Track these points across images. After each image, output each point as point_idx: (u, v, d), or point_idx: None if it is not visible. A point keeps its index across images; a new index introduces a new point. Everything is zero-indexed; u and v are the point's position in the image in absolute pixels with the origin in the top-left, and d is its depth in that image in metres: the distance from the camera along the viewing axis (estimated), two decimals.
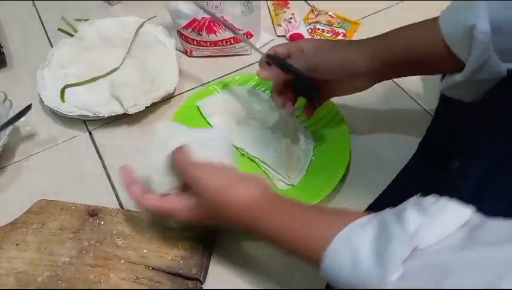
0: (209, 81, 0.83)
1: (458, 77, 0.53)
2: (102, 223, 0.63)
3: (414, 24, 0.56)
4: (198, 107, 0.76)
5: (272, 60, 0.63)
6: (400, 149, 0.69)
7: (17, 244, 0.62)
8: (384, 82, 0.78)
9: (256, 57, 0.86)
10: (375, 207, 0.62)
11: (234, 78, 0.80)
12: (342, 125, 0.70)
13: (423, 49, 0.54)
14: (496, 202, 0.43)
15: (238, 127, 0.74)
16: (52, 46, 0.91)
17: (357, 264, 0.38)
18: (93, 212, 0.64)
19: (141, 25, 0.86)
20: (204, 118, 0.76)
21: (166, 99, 0.80)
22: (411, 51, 0.55)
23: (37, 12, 1.01)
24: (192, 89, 0.83)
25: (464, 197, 0.39)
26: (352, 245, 0.39)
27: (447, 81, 0.55)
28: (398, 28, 0.57)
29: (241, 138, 0.72)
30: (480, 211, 0.37)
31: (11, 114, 0.73)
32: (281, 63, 0.61)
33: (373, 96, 0.76)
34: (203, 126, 0.75)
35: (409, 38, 0.56)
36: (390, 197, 0.61)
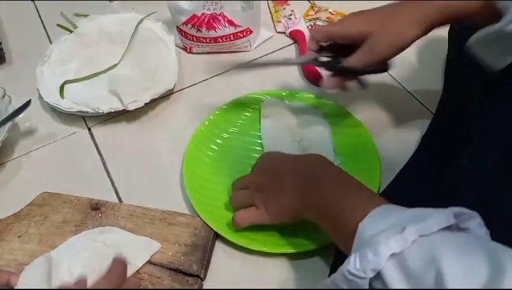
0: (209, 78, 0.83)
1: (494, 27, 0.51)
2: (104, 217, 0.63)
3: None
4: (261, 102, 0.75)
5: (331, 69, 0.64)
6: (400, 146, 0.70)
7: (19, 236, 0.62)
8: (385, 80, 0.79)
9: (256, 53, 0.86)
10: None
11: (303, 94, 0.77)
12: (374, 156, 0.67)
13: (467, 7, 0.55)
14: (505, 207, 0.44)
15: (282, 145, 0.70)
16: (51, 42, 0.91)
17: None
18: (96, 206, 0.64)
19: (140, 21, 0.85)
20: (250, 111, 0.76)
21: (166, 95, 0.80)
22: (455, 11, 0.56)
23: (36, 8, 1.01)
24: (192, 85, 0.82)
25: (469, 200, 0.40)
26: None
27: (480, 33, 0.54)
28: None
29: None
30: (488, 214, 0.38)
31: (10, 110, 0.72)
32: (347, 70, 0.62)
33: (373, 94, 0.76)
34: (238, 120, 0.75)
35: None
36: (394, 193, 0.61)
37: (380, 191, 0.63)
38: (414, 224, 0.37)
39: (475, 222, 0.39)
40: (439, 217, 0.38)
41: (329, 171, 0.55)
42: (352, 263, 0.39)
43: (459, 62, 0.70)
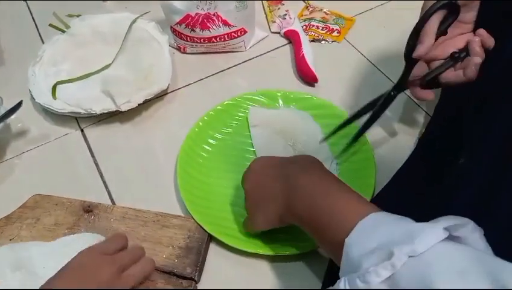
0: (203, 78, 0.82)
1: None
2: (97, 219, 0.63)
3: None
4: (248, 112, 0.75)
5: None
6: (396, 147, 0.69)
7: (11, 239, 0.61)
8: (381, 82, 0.78)
9: (251, 53, 0.86)
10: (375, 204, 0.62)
11: (298, 94, 0.76)
12: (370, 168, 0.66)
13: None
14: (504, 205, 0.43)
15: (276, 151, 0.68)
16: (43, 43, 0.90)
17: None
18: (89, 209, 0.64)
19: (134, 21, 0.85)
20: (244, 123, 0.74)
21: (160, 96, 0.79)
22: None
23: (29, 8, 1.00)
24: (186, 85, 0.82)
25: (467, 198, 0.39)
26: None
27: None
28: None
29: None
30: (487, 212, 0.37)
31: (2, 111, 0.72)
32: None
33: (369, 95, 0.76)
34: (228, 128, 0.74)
35: None
36: (390, 195, 0.61)
37: (376, 192, 0.63)
38: (402, 246, 0.36)
39: (468, 229, 0.38)
40: (428, 235, 0.36)
41: (317, 176, 0.53)
42: (342, 288, 0.38)
43: None
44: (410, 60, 0.59)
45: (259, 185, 0.56)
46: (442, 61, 0.59)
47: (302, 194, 0.51)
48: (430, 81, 0.60)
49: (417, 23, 0.57)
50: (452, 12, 0.57)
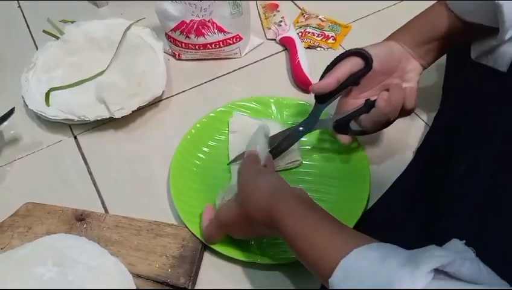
0: (198, 85, 0.82)
1: (494, 42, 0.53)
2: (89, 228, 0.62)
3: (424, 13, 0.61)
4: (230, 118, 0.73)
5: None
6: (394, 158, 0.69)
7: (2, 248, 0.61)
8: None
9: (246, 60, 0.85)
10: (371, 214, 0.61)
11: (288, 101, 0.75)
12: (365, 177, 0.65)
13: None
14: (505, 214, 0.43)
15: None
16: (37, 49, 0.89)
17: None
18: (81, 217, 0.63)
19: (128, 27, 0.84)
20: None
21: (154, 103, 0.79)
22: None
23: (22, 13, 0.99)
24: (181, 92, 0.81)
25: (470, 208, 0.38)
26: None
27: (481, 48, 0.56)
28: (413, 20, 0.64)
29: None
30: (488, 222, 0.37)
31: None
32: None
33: None
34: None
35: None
36: (387, 206, 0.60)
37: (373, 203, 0.62)
38: None
39: (455, 265, 0.35)
40: (411, 281, 0.34)
41: (300, 217, 0.49)
42: None
43: (458, 75, 0.70)
44: (317, 98, 0.64)
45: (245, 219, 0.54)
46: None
47: (287, 237, 0.49)
48: (341, 127, 0.62)
49: (327, 66, 0.62)
50: (367, 66, 0.61)
